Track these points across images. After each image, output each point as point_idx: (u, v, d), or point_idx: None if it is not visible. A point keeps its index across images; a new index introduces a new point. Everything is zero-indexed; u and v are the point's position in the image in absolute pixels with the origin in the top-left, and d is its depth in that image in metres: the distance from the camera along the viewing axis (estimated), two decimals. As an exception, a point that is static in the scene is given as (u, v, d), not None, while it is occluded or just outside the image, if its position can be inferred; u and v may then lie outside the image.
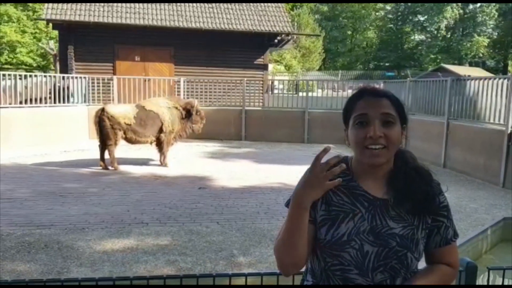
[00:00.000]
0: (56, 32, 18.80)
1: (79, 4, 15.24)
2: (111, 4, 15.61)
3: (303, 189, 1.30)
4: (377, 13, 52.11)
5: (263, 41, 16.94)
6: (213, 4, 16.87)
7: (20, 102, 11.09)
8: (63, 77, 12.44)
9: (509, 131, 7.69)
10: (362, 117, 1.35)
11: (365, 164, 1.38)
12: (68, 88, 12.19)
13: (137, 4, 15.97)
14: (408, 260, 1.33)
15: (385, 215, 1.36)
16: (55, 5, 14.94)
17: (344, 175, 1.39)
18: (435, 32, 47.15)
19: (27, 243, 4.53)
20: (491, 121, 8.46)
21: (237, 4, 17.21)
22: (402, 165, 1.42)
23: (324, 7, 50.59)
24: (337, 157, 1.28)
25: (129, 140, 8.74)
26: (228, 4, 17.08)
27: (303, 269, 1.47)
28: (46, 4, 15.15)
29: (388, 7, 51.98)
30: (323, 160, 1.28)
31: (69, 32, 15.23)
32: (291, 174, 8.27)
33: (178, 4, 16.51)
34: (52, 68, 28.62)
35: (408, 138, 10.92)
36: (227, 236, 4.91)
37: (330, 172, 1.27)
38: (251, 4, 17.36)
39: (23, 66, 30.99)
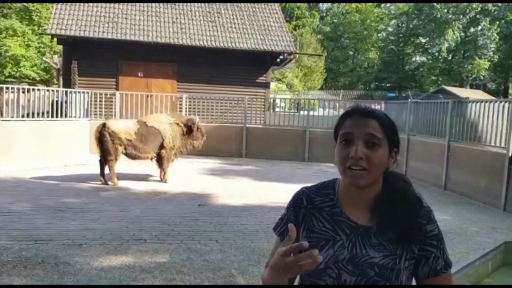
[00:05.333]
0: (60, 47, 19.00)
1: (84, 20, 15.43)
2: (115, 20, 15.81)
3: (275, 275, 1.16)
4: (379, 34, 52.59)
5: (266, 60, 17.09)
6: (217, 23, 17.07)
7: (22, 116, 11.13)
8: (66, 92, 12.50)
9: (510, 154, 7.69)
10: (347, 135, 1.32)
11: (349, 186, 1.35)
12: (66, 102, 12.22)
13: (141, 21, 16.18)
14: None
15: (366, 244, 1.31)
16: (61, 20, 15.14)
17: (328, 200, 1.40)
18: (436, 54, 47.46)
19: (24, 258, 4.48)
20: (492, 144, 8.48)
21: (240, 22, 17.41)
22: (390, 190, 1.36)
23: (327, 28, 51.09)
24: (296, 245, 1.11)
25: (129, 156, 8.75)
26: (232, 23, 17.28)
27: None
28: (51, 19, 15.34)
29: (390, 28, 52.50)
30: None
31: (73, 47, 15.41)
32: (291, 193, 8.20)
33: (182, 21, 16.72)
34: (55, 82, 28.82)
35: (407, 159, 10.91)
36: (226, 255, 4.86)
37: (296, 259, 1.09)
38: (254, 23, 17.56)
39: (27, 80, 31.18)
